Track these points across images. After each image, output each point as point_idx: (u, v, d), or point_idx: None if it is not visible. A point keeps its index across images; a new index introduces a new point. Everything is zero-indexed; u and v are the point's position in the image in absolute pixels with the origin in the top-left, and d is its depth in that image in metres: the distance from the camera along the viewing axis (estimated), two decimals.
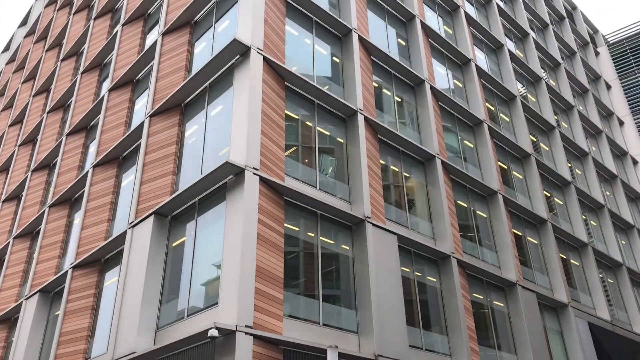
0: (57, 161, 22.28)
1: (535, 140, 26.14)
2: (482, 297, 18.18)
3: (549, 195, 24.87)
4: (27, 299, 19.01)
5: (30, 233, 22.57)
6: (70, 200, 20.41)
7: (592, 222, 27.43)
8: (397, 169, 17.67)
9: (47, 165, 23.81)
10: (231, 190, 12.63)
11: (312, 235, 13.94)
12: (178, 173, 15.00)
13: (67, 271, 17.02)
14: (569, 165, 27.72)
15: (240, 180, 12.40)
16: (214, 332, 10.13)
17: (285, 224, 13.19)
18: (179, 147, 15.43)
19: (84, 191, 18.90)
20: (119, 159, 18.39)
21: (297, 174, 14.30)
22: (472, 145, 21.75)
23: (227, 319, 10.88)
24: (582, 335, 20.81)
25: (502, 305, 18.89)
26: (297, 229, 13.67)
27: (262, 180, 12.71)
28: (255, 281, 11.49)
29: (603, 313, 23.31)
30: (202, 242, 13.19)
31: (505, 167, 23.01)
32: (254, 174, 12.48)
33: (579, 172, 28.83)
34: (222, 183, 13.10)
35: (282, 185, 13.06)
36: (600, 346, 22.34)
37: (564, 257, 23.46)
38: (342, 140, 16.11)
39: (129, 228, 14.87)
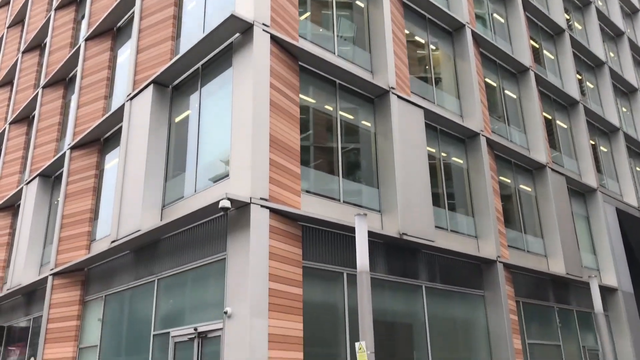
0: (47, 39, 20.42)
1: (569, 17, 23.79)
2: (509, 181, 17.02)
3: (580, 77, 22.97)
4: (27, 184, 18.06)
5: (27, 118, 21.26)
6: (64, 80, 18.85)
7: (623, 108, 25.70)
8: (422, 40, 15.80)
9: (38, 45, 21.99)
10: (238, 51, 10.98)
11: (331, 108, 12.47)
12: (178, 38, 13.27)
13: (65, 152, 15.84)
14: (604, 45, 25.50)
15: (249, 39, 10.71)
16: (225, 203, 8.99)
17: (300, 95, 11.68)
18: (178, 10, 13.57)
19: (77, 68, 17.26)
20: (113, 30, 16.56)
21: (313, 38, 12.56)
22: (502, 20, 19.60)
23: (239, 191, 9.71)
24: (609, 221, 19.91)
25: (530, 189, 17.78)
26: (314, 100, 12.17)
27: (274, 38, 11.01)
28: (270, 152, 10.20)
29: (631, 199, 22.30)
30: (208, 114, 11.78)
31: (537, 45, 20.96)
32: (264, 30, 10.77)
33: (613, 55, 26.65)
34: (227, 44, 11.42)
35: (297, 47, 11.37)
36: (626, 232, 21.53)
37: (593, 142, 22.04)
38: (362, 5, 14.14)
39: (127, 101, 13.43)
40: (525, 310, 15.39)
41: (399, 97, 13.24)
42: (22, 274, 16.32)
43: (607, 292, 19.03)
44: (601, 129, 23.13)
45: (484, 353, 13.56)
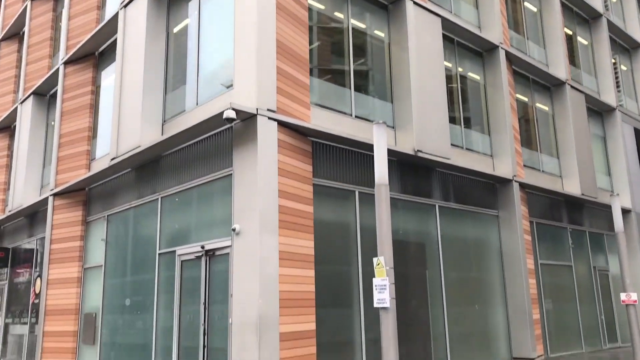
0: None
1: None
2: (526, 99, 16.18)
3: None
4: (21, 103, 17.30)
5: (17, 34, 20.13)
6: None
7: None
8: None
9: None
10: None
11: (342, 15, 11.48)
12: None
13: (59, 68, 14.97)
14: None
15: None
16: (230, 114, 8.30)
17: (308, 0, 10.68)
18: None
19: None
20: None
21: None
22: None
23: (245, 101, 8.99)
24: (626, 141, 19.22)
25: (547, 108, 16.97)
26: (323, 6, 11.17)
27: None
28: (277, 59, 9.38)
29: None
30: (208, 21, 10.83)
31: None
32: None
33: None
34: None
35: None
36: None
37: (613, 60, 20.93)
38: None
39: (121, 9, 12.42)
40: (538, 231, 15.04)
41: (415, 2, 12.20)
42: (22, 195, 15.93)
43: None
44: (622, 45, 21.93)
45: (496, 273, 13.32)
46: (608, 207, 18.12)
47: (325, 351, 9.36)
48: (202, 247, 9.56)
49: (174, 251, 10.31)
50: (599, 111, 19.39)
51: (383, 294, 6.56)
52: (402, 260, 11.35)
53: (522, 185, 14.19)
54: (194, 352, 9.35)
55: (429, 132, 11.75)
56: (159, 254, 10.75)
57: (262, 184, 8.73)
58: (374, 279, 6.83)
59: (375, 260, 6.83)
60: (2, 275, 18.35)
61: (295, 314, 8.88)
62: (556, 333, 14.60)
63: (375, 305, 6.67)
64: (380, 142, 7.06)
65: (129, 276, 11.73)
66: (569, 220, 16.41)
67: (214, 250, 9.39)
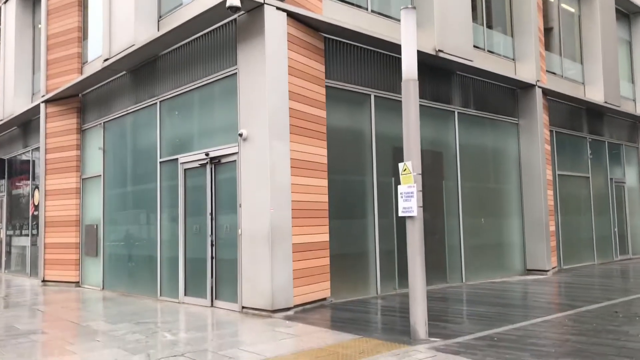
0: None
1: None
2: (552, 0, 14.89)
3: None
4: (4, 3, 15.96)
5: None
6: None
7: None
8: None
9: None
10: None
11: None
12: None
13: None
14: None
15: None
16: (234, 1, 7.28)
17: None
18: None
19: None
20: None
21: None
22: None
23: None
24: None
25: (574, 9, 15.67)
26: None
27: None
28: None
29: None
30: None
31: None
32: None
33: None
34: None
35: None
36: None
37: None
38: None
39: None
40: (557, 141, 14.31)
41: None
42: (13, 103, 15.05)
43: None
44: None
45: (513, 184, 12.74)
46: (629, 117, 17.30)
47: (339, 263, 8.93)
48: (207, 154, 8.86)
49: (176, 159, 9.63)
50: (626, 13, 18.05)
51: (409, 202, 5.93)
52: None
53: (544, 92, 13.28)
54: (201, 264, 8.92)
55: (451, 31, 10.70)
56: (160, 162, 10.08)
57: (271, 83, 7.87)
58: (399, 186, 6.18)
59: (401, 165, 6.14)
60: (1, 187, 17.86)
61: (308, 224, 8.34)
62: (570, 245, 14.29)
63: (400, 214, 6.07)
64: (409, 30, 6.14)
65: (129, 186, 11.14)
66: (589, 129, 15.63)
67: (219, 157, 8.70)
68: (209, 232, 8.79)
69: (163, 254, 9.92)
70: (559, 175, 14.14)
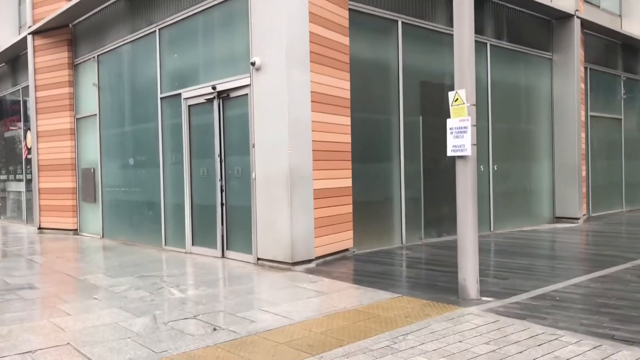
0: None
1: None
2: None
3: None
4: None
5: None
6: None
7: None
8: None
9: None
10: None
11: None
12: None
13: None
14: None
15: None
16: None
17: None
18: None
19: None
20: None
21: None
22: None
23: None
24: None
25: None
26: None
27: None
28: None
29: None
30: None
31: None
32: None
33: None
34: None
35: None
36: None
37: None
38: None
39: None
40: (591, 79, 13.17)
41: None
42: None
43: None
44: None
45: (545, 125, 11.70)
46: None
47: (362, 211, 8.05)
48: (214, 87, 7.81)
49: (179, 94, 8.58)
50: None
51: (462, 138, 4.96)
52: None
53: (582, 23, 12.03)
54: (210, 211, 8.04)
55: None
56: (161, 98, 9.03)
57: (289, 3, 6.73)
58: (448, 120, 5.19)
59: (451, 95, 5.13)
60: None
61: (330, 167, 7.39)
62: (599, 191, 13.40)
63: (450, 153, 5.11)
64: None
65: (127, 126, 10.13)
66: (624, 67, 14.43)
67: (228, 91, 7.65)
68: (218, 176, 7.86)
69: (167, 200, 9.03)
70: (590, 116, 13.08)
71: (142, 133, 9.68)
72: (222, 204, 7.85)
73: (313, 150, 7.02)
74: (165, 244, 9.03)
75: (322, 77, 7.21)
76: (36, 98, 12.02)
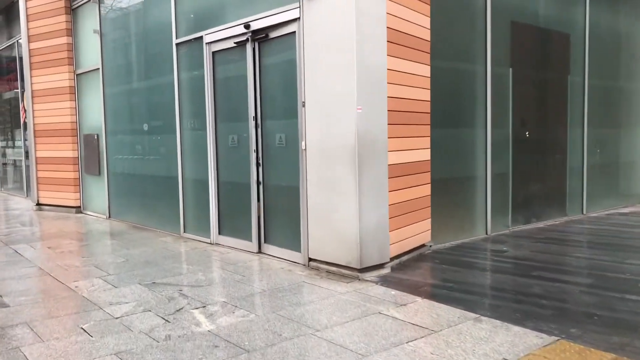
0: None
1: None
2: None
3: None
4: None
5: None
6: None
7: None
8: None
9: None
10: None
11: None
12: None
13: None
14: None
15: None
16: None
17: None
18: None
19: None
20: None
21: None
22: None
23: None
24: None
25: None
26: None
27: None
28: None
29: None
30: None
31: None
32: None
33: None
34: None
35: None
36: None
37: None
38: None
39: None
40: None
41: None
42: None
43: None
44: None
45: None
46: None
47: (439, 192, 6.09)
48: (247, 26, 5.81)
49: (200, 38, 6.59)
50: None
51: None
52: (543, 59, 7.58)
53: None
54: (242, 191, 6.14)
55: None
56: (177, 44, 7.05)
57: None
58: None
59: None
60: None
61: (408, 134, 5.42)
62: None
63: None
64: None
65: (135, 82, 8.19)
66: None
67: (267, 29, 5.65)
68: (253, 146, 5.93)
69: (186, 174, 7.15)
70: None
71: (153, 90, 7.74)
72: (258, 183, 5.94)
73: (388, 110, 5.03)
74: (184, 231, 7.19)
75: (400, 8, 5.16)
76: (30, 51, 10.12)
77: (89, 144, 9.41)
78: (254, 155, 5.94)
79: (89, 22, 9.15)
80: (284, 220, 5.67)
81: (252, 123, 5.92)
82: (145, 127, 7.94)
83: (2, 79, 13.91)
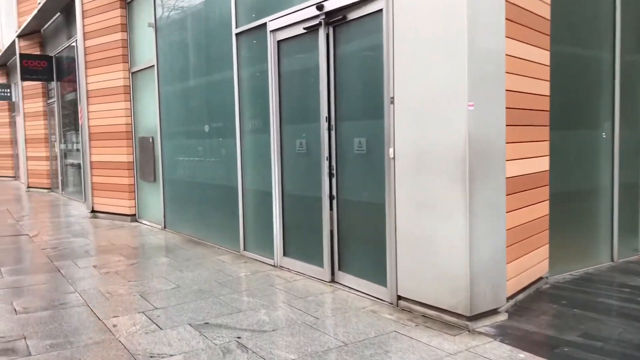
0: None
1: None
2: None
3: None
4: None
5: None
6: None
7: None
8: None
9: None
10: None
11: None
12: None
13: None
14: None
15: None
16: None
17: None
18: None
19: None
20: None
21: None
22: None
23: None
24: None
25: None
26: None
27: None
28: None
29: None
30: None
31: None
32: None
33: None
34: None
35: None
36: None
37: None
38: None
39: None
40: None
41: None
42: None
43: None
44: None
45: None
46: None
47: (558, 209, 4.83)
48: (319, 7, 4.78)
49: (263, 25, 5.63)
50: None
51: None
52: None
53: None
54: (312, 206, 5.13)
55: None
56: (237, 34, 6.13)
57: None
58: None
59: None
60: (51, 91, 14.84)
61: (528, 138, 4.23)
62: None
63: None
64: None
65: (191, 78, 7.35)
66: None
67: (344, 10, 4.60)
68: (325, 152, 4.90)
69: (247, 184, 6.22)
70: None
71: (210, 88, 6.87)
72: (331, 197, 4.91)
73: (506, 107, 3.86)
74: (244, 248, 6.26)
75: None
76: (85, 49, 9.56)
77: (144, 147, 8.70)
78: (326, 163, 4.90)
79: (144, 16, 8.43)
80: (364, 245, 4.60)
81: (324, 125, 4.89)
82: (204, 128, 7.08)
83: (64, 80, 13.61)
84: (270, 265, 5.71)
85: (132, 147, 9.08)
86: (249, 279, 5.23)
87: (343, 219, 4.84)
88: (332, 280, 4.95)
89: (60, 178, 14.42)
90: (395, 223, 4.15)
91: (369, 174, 4.48)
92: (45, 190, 15.31)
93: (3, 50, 17.67)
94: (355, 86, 4.61)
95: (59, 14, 12.97)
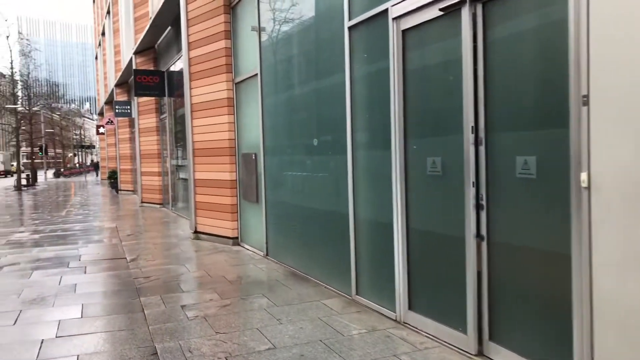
0: None
1: None
2: None
3: None
4: None
5: None
6: None
7: None
8: None
9: None
10: None
11: None
12: None
13: None
14: None
15: None
16: None
17: None
18: None
19: None
20: None
21: None
22: None
23: None
24: None
25: None
26: None
27: None
28: None
29: None
30: None
31: None
32: None
33: None
34: None
35: None
36: None
37: None
38: None
39: None
40: None
41: None
42: None
43: None
44: None
45: None
46: None
47: None
48: None
49: (384, 12, 4.43)
50: None
51: None
52: None
53: None
54: (449, 245, 3.81)
55: None
56: (350, 28, 4.98)
57: None
58: None
59: None
60: (164, 107, 14.80)
61: None
62: None
63: None
64: None
65: (297, 87, 6.32)
66: None
67: None
68: (471, 176, 3.56)
69: (360, 212, 5.01)
70: None
71: (318, 96, 5.78)
72: (479, 238, 3.55)
73: None
74: (356, 292, 5.05)
75: None
76: (189, 60, 9.00)
77: (247, 165, 7.86)
78: (472, 190, 3.56)
79: (248, 20, 7.61)
80: (532, 310, 3.19)
81: (469, 137, 3.56)
82: (313, 143, 6.00)
83: (175, 95, 13.42)
84: (391, 319, 4.44)
85: (235, 164, 8.30)
86: (364, 341, 4.00)
87: (497, 269, 3.46)
88: (480, 353, 3.58)
89: (170, 194, 14.25)
90: (590, 286, 2.72)
91: (541, 209, 3.08)
92: (157, 206, 15.27)
93: (123, 68, 18.19)
94: (518, 82, 3.24)
95: (169, 27, 12.79)
